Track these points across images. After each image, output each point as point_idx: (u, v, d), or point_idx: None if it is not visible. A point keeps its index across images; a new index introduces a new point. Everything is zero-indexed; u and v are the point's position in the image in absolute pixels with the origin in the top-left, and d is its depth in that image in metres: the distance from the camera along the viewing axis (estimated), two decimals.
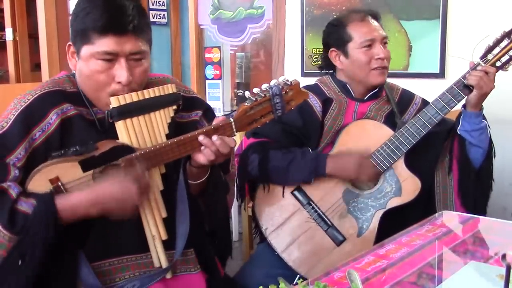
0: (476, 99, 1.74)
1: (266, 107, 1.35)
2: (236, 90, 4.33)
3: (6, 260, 1.19)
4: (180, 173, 1.36)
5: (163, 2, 4.32)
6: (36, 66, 4.58)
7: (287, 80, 1.37)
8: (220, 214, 1.52)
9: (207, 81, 4.08)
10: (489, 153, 1.81)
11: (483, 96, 1.74)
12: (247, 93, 1.35)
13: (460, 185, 1.82)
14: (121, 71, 1.28)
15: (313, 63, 3.11)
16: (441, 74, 2.65)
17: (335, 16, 2.06)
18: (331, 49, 1.91)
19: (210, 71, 4.05)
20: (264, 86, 1.35)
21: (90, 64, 1.29)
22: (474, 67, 1.75)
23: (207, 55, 4.05)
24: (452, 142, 1.83)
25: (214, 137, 1.31)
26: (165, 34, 4.36)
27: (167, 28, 4.36)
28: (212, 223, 1.50)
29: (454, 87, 1.75)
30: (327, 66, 1.97)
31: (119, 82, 1.30)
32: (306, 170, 1.75)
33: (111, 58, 1.28)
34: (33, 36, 4.69)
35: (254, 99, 1.34)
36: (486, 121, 1.80)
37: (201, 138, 1.31)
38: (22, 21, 4.86)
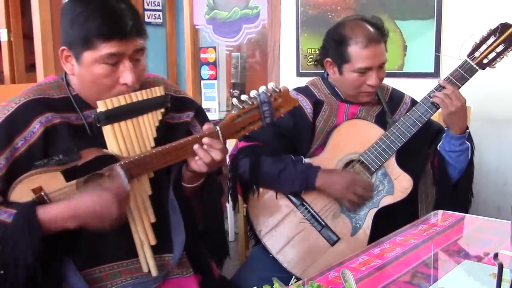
0: (446, 118, 1.75)
1: (254, 114, 1.34)
2: (231, 90, 4.32)
3: None
4: (170, 186, 1.35)
5: (158, 2, 4.32)
6: (31, 67, 4.56)
7: (276, 87, 1.35)
8: (215, 217, 1.51)
9: (202, 82, 4.08)
10: (467, 172, 1.82)
11: (453, 115, 1.73)
12: (234, 100, 1.33)
13: (437, 198, 1.84)
14: (126, 73, 1.29)
15: (308, 63, 3.11)
16: (435, 74, 2.65)
17: (341, 22, 1.91)
18: (328, 59, 1.87)
19: (205, 72, 4.04)
20: (252, 93, 1.33)
21: (94, 69, 1.28)
22: (437, 87, 1.76)
23: (202, 55, 4.05)
24: (434, 156, 1.86)
25: (204, 147, 1.30)
26: (161, 35, 4.36)
27: (162, 29, 4.35)
28: (207, 226, 1.50)
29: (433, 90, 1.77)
30: (321, 66, 1.96)
31: (124, 84, 1.30)
32: (296, 182, 1.75)
33: (115, 60, 1.28)
34: (28, 37, 4.67)
35: (241, 106, 1.32)
36: (472, 142, 1.80)
37: (195, 147, 1.30)
38: (17, 22, 4.84)
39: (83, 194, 1.22)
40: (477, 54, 1.76)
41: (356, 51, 1.78)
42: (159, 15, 4.33)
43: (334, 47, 1.84)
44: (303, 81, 2.02)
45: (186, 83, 4.23)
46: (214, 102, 3.99)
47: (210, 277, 1.50)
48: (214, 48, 4.01)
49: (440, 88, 1.76)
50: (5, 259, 1.16)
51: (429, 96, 1.77)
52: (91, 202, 1.20)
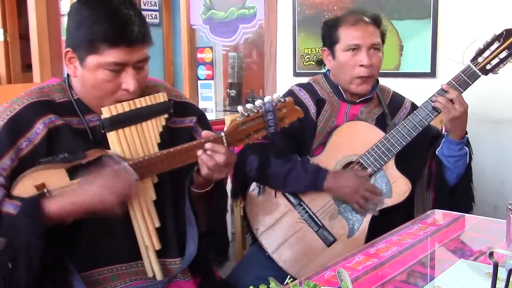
0: (447, 123, 1.74)
1: (258, 123, 1.35)
2: (228, 90, 4.32)
3: None
4: (185, 197, 1.35)
5: (155, 2, 4.31)
6: (27, 67, 4.56)
7: (281, 97, 1.37)
8: (220, 220, 1.54)
9: (199, 82, 4.07)
10: (465, 177, 1.81)
11: (455, 120, 1.72)
12: (240, 108, 1.34)
13: (436, 202, 1.83)
14: (128, 80, 1.28)
15: (305, 63, 3.11)
16: (432, 74, 2.66)
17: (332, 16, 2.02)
18: (323, 48, 1.92)
19: (202, 72, 4.04)
20: (258, 102, 1.35)
21: (97, 74, 1.28)
22: (440, 91, 1.75)
23: (199, 55, 4.05)
24: (432, 160, 1.85)
25: (208, 152, 1.30)
26: (157, 35, 4.35)
27: (159, 29, 4.35)
28: (211, 227, 1.50)
29: (436, 95, 1.76)
30: (322, 63, 1.96)
31: (125, 90, 1.30)
32: (305, 182, 1.75)
33: (119, 68, 1.27)
34: (24, 37, 4.67)
35: (246, 114, 1.33)
36: (470, 148, 1.79)
37: (199, 153, 1.30)
38: (13, 22, 4.85)
39: (87, 183, 1.22)
40: (480, 59, 1.74)
41: (345, 29, 1.83)
42: (155, 15, 4.32)
43: (326, 32, 1.89)
44: (299, 81, 2.01)
45: (182, 83, 4.23)
46: (211, 102, 3.98)
47: (212, 280, 1.49)
48: (211, 48, 4.00)
49: (442, 92, 1.74)
50: (12, 252, 1.16)
51: (430, 100, 1.75)
52: (93, 189, 1.21)
